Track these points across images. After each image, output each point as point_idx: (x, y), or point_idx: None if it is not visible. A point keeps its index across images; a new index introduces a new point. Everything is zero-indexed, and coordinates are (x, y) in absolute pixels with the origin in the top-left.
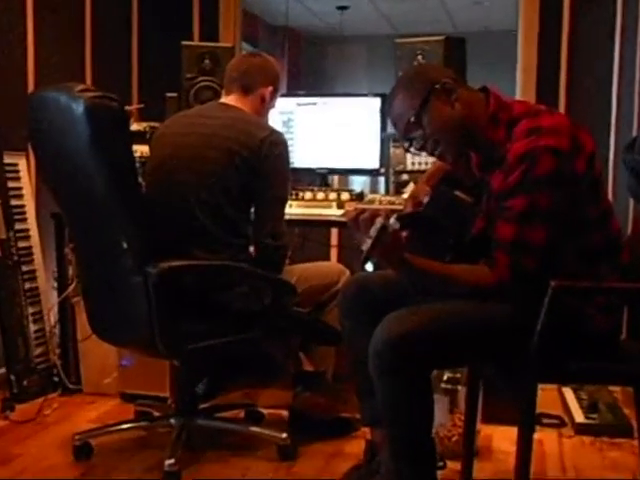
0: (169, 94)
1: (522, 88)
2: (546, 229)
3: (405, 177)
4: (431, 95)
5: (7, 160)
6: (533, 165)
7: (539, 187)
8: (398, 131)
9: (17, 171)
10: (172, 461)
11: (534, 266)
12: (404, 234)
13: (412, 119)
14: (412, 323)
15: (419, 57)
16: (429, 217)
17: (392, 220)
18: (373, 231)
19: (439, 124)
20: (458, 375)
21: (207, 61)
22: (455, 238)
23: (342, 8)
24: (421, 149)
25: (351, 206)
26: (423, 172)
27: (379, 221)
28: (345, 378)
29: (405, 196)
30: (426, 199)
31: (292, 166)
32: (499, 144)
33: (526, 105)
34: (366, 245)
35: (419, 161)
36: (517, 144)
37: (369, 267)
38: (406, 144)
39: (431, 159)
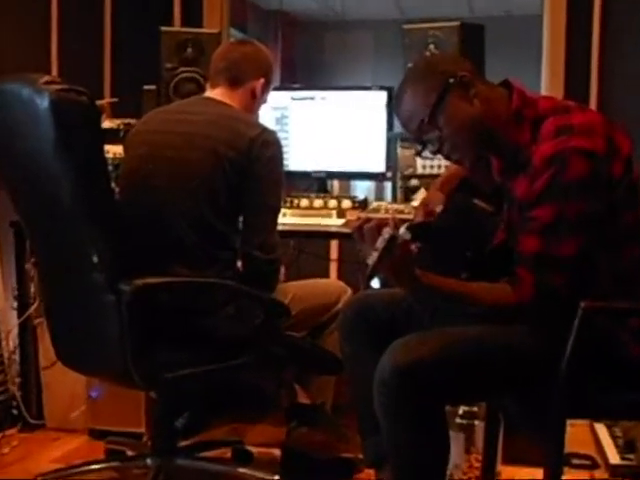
0: (146, 87)
1: (548, 81)
2: (576, 242)
3: (415, 182)
4: (447, 91)
5: None
6: (562, 169)
7: (569, 194)
8: (409, 132)
9: None
10: None
11: (562, 284)
12: (414, 247)
13: (426, 119)
14: (423, 350)
15: (431, 46)
16: (443, 228)
17: (402, 230)
18: (380, 242)
19: (457, 124)
20: (475, 409)
21: (189, 49)
22: (472, 252)
23: None
24: (436, 152)
25: (353, 215)
26: (435, 177)
27: (387, 231)
28: (346, 412)
29: (415, 204)
30: (439, 208)
31: (286, 169)
32: (523, 145)
33: (553, 101)
34: (372, 259)
35: (430, 164)
36: (544, 145)
37: (375, 284)
38: (419, 147)
39: (444, 162)
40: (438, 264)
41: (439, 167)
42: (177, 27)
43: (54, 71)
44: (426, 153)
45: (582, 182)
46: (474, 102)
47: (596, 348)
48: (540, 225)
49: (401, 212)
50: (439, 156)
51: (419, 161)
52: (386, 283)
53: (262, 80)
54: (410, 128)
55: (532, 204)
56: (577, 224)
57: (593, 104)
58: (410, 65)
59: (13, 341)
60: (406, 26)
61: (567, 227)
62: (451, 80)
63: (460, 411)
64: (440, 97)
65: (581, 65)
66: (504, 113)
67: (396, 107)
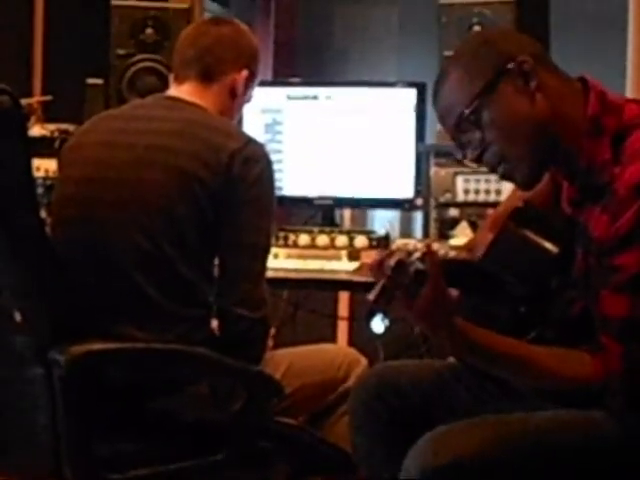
0: (91, 80)
1: (634, 76)
2: None
3: (454, 213)
4: (500, 78)
5: None
6: None
7: None
8: (446, 131)
9: None
10: None
11: None
12: (454, 294)
13: (467, 112)
14: (463, 446)
15: (476, 27)
16: (487, 271)
17: (416, 255)
18: (387, 270)
19: (508, 123)
20: None
21: (149, 30)
22: (527, 307)
23: None
24: (477, 160)
25: (370, 257)
26: (483, 205)
27: (394, 258)
28: None
29: (455, 242)
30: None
31: (279, 194)
32: (600, 165)
33: None
34: (374, 291)
35: (476, 188)
36: (631, 168)
37: (377, 326)
38: (459, 153)
39: (504, 186)
40: (483, 319)
41: (488, 192)
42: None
43: None
44: (472, 163)
45: None
46: (536, 97)
47: None
48: (628, 278)
49: None
50: (492, 177)
51: (460, 183)
52: (389, 327)
53: (245, 72)
54: (447, 124)
55: (615, 248)
56: None
57: None
58: (454, 51)
59: None
60: (443, 1)
61: None
62: (509, 65)
63: None
64: (489, 85)
65: None
66: (578, 118)
67: (434, 96)
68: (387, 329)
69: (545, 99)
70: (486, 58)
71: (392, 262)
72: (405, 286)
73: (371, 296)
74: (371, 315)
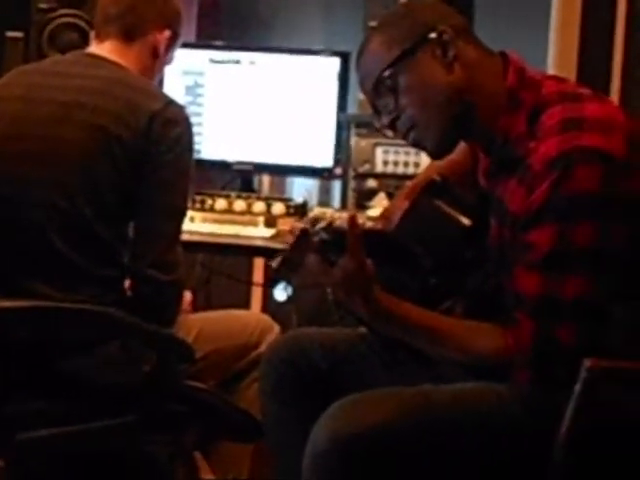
0: (10, 34)
1: (556, 56)
2: (584, 280)
3: (372, 184)
4: (420, 46)
5: None
6: (569, 176)
7: (576, 212)
8: (365, 94)
9: None
10: None
11: (573, 339)
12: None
13: (384, 75)
14: (372, 417)
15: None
16: (399, 242)
17: (321, 224)
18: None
19: (423, 89)
20: None
21: None
22: (438, 278)
23: None
24: (391, 126)
25: (287, 224)
26: (401, 178)
27: (299, 226)
28: None
29: (372, 213)
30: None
31: (197, 157)
32: (515, 138)
33: (562, 85)
34: (276, 260)
35: (395, 159)
36: (546, 142)
37: (279, 295)
38: (376, 120)
39: (423, 159)
40: (391, 291)
41: (407, 164)
42: None
43: None
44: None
45: (594, 194)
46: (454, 67)
47: (605, 423)
48: (540, 256)
49: None
50: (411, 150)
51: (379, 154)
52: (292, 296)
53: (167, 32)
54: (365, 88)
55: (529, 222)
56: (586, 255)
57: (615, 91)
58: (376, 21)
59: None
60: None
61: (573, 258)
62: (430, 35)
63: None
64: (408, 51)
65: (601, 39)
66: (496, 91)
67: (356, 61)
68: (290, 297)
69: (462, 70)
70: (407, 26)
71: (296, 231)
72: (320, 253)
73: (274, 264)
74: (273, 283)
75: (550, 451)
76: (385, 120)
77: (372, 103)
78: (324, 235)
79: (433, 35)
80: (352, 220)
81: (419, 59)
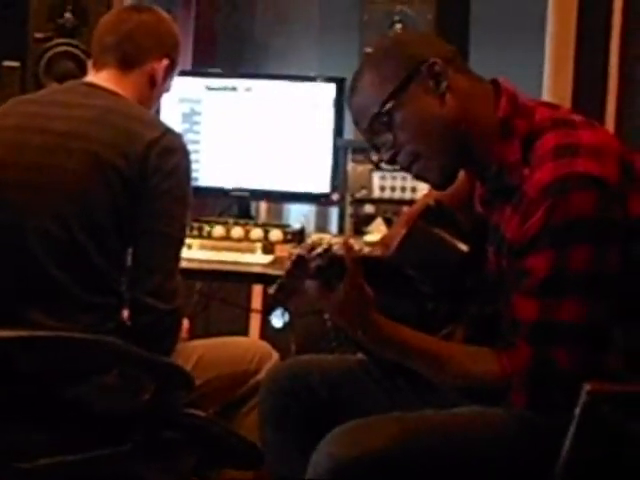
0: (7, 63)
1: (552, 76)
2: (581, 304)
3: (370, 209)
4: (411, 80)
5: None
6: (564, 202)
7: (572, 237)
8: (360, 132)
9: None
10: None
11: (570, 362)
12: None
13: (378, 114)
14: (371, 442)
15: (397, 26)
16: (397, 268)
17: (318, 250)
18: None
19: (419, 124)
20: None
21: (68, 15)
22: (435, 304)
23: None
24: (391, 161)
25: (285, 251)
26: (399, 203)
27: (295, 253)
28: None
29: (369, 238)
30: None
31: (195, 185)
32: (509, 166)
33: (555, 111)
34: (274, 286)
35: (392, 185)
36: (541, 169)
37: (277, 321)
38: (374, 155)
39: (420, 184)
40: (390, 317)
41: (404, 189)
42: None
43: None
44: (388, 166)
45: (589, 221)
46: (446, 99)
47: (604, 445)
48: (537, 282)
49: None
50: (408, 175)
51: (376, 180)
52: (289, 323)
53: (165, 61)
54: (361, 126)
55: (525, 249)
56: (581, 279)
57: (611, 112)
58: (370, 49)
59: None
60: None
61: (568, 283)
62: (421, 67)
63: None
64: (400, 87)
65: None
66: (486, 118)
67: (349, 97)
68: (287, 324)
69: (455, 100)
70: (397, 60)
71: (293, 257)
72: (318, 279)
73: (271, 290)
74: (270, 309)
75: (551, 475)
76: (385, 156)
77: (369, 141)
78: (320, 261)
79: (424, 68)
80: (347, 245)
81: (412, 93)
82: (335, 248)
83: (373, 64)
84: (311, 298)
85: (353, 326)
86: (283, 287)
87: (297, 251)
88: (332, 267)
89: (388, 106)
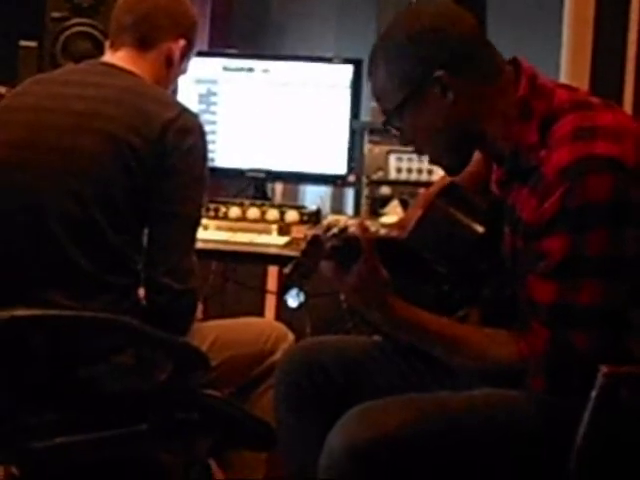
0: (24, 43)
1: (569, 55)
2: (599, 287)
3: (386, 191)
4: (421, 88)
5: None
6: (581, 185)
7: (589, 221)
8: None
9: None
10: None
11: (588, 345)
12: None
13: (391, 112)
14: (387, 424)
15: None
16: (413, 249)
17: (333, 231)
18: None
19: (428, 129)
20: None
21: None
22: (450, 286)
23: None
24: (407, 144)
25: (301, 232)
26: (415, 185)
27: (311, 233)
28: None
29: (385, 220)
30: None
31: (211, 165)
32: (529, 148)
33: (574, 93)
34: (289, 266)
35: (409, 166)
36: (558, 151)
37: (292, 301)
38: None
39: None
40: (405, 298)
41: (420, 171)
42: None
43: None
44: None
45: (606, 204)
46: (458, 102)
47: (620, 429)
48: (554, 265)
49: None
50: (424, 157)
51: (393, 162)
52: (305, 303)
53: (182, 42)
54: (380, 106)
55: (541, 232)
56: (599, 263)
57: (629, 93)
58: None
59: None
60: None
61: (586, 266)
62: (430, 77)
63: None
64: (410, 95)
65: (614, 41)
66: (503, 108)
67: (369, 76)
68: (302, 304)
69: (467, 102)
70: (409, 63)
71: (308, 237)
72: (334, 259)
73: (286, 270)
74: (286, 289)
75: (567, 458)
76: (401, 140)
77: (383, 123)
78: (336, 242)
79: (432, 78)
80: (363, 226)
81: (420, 99)
82: (351, 229)
83: (386, 59)
84: (326, 279)
85: (368, 307)
86: (298, 267)
87: (313, 231)
88: (347, 248)
89: (399, 110)
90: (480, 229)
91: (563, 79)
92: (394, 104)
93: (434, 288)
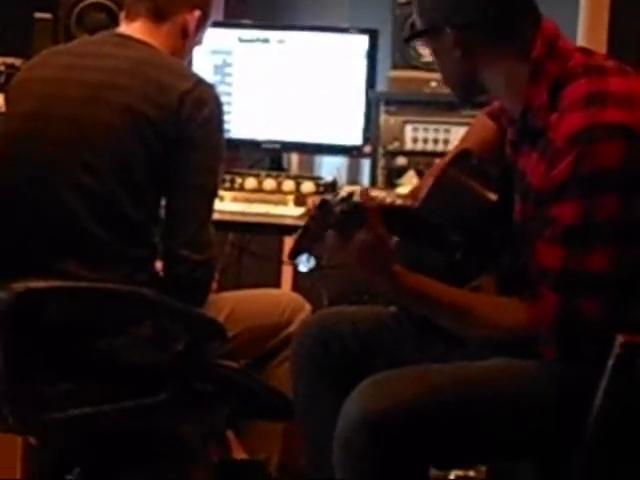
0: (39, 15)
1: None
2: (609, 253)
3: (402, 161)
4: (435, 33)
5: None
6: (591, 152)
7: (599, 187)
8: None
9: None
10: None
11: (599, 312)
12: (393, 241)
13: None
14: (401, 394)
15: None
16: (425, 217)
17: (342, 194)
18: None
19: (439, 64)
20: (472, 473)
21: None
22: (463, 251)
23: None
24: None
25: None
26: (431, 155)
27: (319, 198)
28: (297, 472)
29: (401, 190)
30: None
31: (227, 136)
32: (538, 109)
33: (589, 57)
34: (298, 231)
35: (425, 137)
36: (569, 117)
37: (302, 265)
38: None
39: (452, 136)
40: (417, 267)
41: (437, 142)
42: None
43: None
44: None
45: (617, 170)
46: (470, 56)
47: (637, 397)
48: (562, 230)
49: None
50: (440, 127)
51: (409, 132)
52: (316, 267)
53: (197, 12)
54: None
55: (551, 198)
56: (609, 229)
57: None
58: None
59: None
60: None
61: (596, 233)
62: (446, 32)
63: (452, 476)
64: (427, 30)
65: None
66: (517, 70)
67: None
68: (313, 269)
69: (471, 60)
70: (430, 6)
71: (317, 202)
72: (338, 227)
73: (295, 235)
74: (296, 254)
75: (581, 429)
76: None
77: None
78: (345, 206)
79: (445, 33)
80: (365, 194)
81: (437, 42)
82: (355, 198)
83: None
84: (331, 249)
85: (372, 276)
86: (307, 232)
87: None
88: (355, 214)
89: (415, 34)
90: (493, 197)
91: (580, 42)
92: (418, 30)
93: (447, 257)
